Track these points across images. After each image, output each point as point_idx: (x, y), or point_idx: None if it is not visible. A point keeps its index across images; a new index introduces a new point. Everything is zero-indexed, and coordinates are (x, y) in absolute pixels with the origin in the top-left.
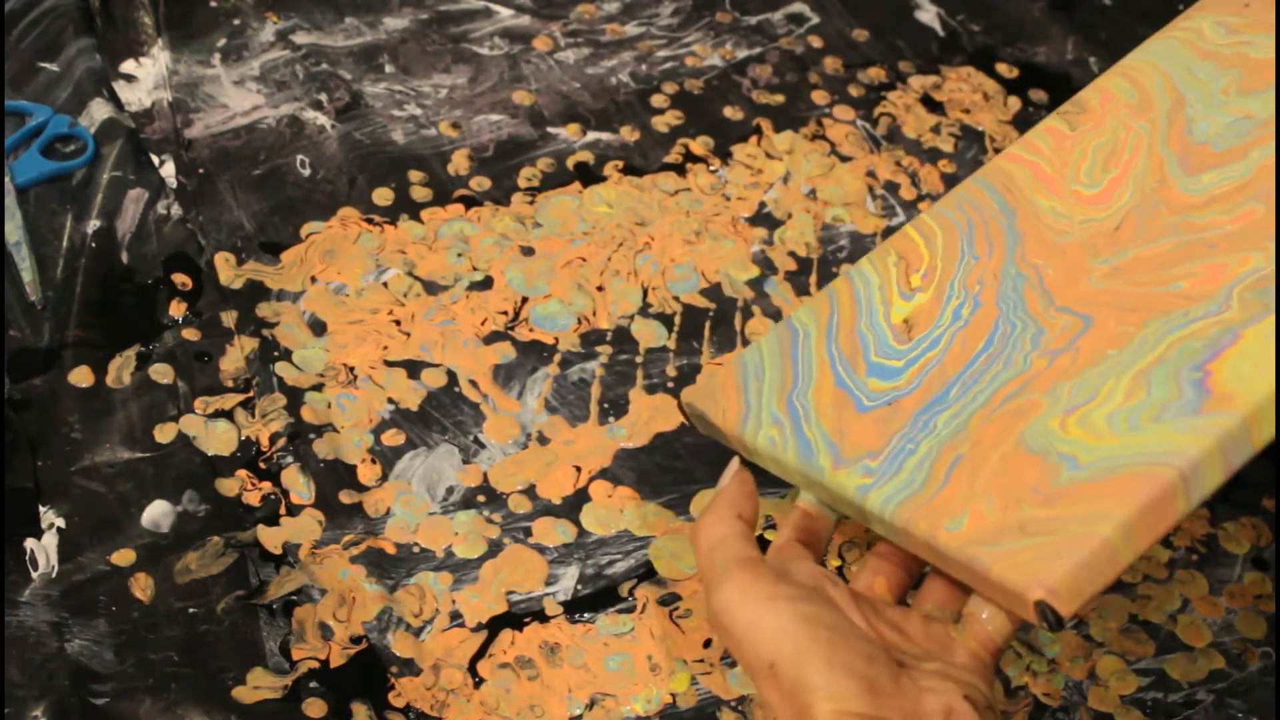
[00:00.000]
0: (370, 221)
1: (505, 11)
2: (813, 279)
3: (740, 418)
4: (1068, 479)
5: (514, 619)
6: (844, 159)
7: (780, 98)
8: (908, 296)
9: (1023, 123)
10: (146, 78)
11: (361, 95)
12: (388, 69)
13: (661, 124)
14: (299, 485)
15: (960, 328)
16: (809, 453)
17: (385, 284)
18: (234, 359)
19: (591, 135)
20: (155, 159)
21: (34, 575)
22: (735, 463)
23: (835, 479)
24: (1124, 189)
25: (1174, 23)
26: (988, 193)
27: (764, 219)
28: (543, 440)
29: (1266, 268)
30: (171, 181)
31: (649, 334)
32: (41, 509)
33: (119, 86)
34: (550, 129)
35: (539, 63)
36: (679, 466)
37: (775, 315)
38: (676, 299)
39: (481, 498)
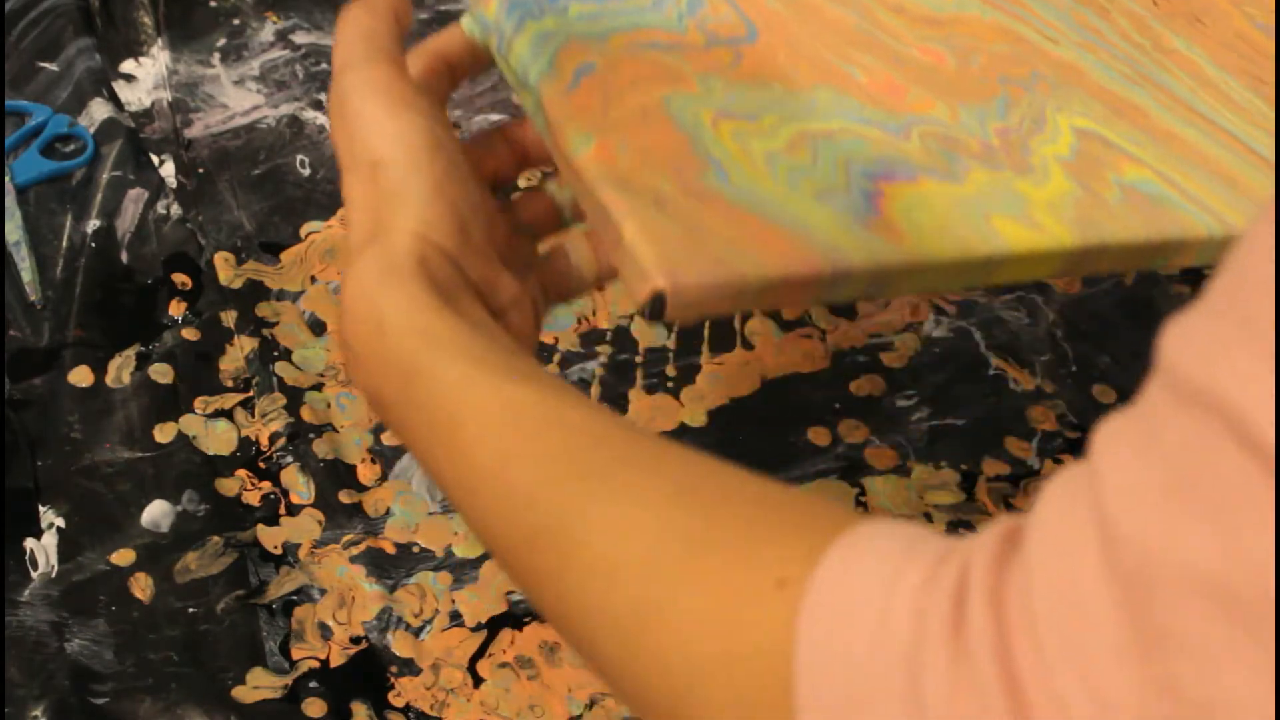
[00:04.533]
0: None
1: None
2: None
3: None
4: (716, 189)
5: (514, 619)
6: None
7: None
8: None
9: None
10: (146, 78)
11: None
12: None
13: None
14: (299, 485)
15: None
16: None
17: None
18: (234, 359)
19: None
20: (155, 159)
21: (34, 575)
22: None
23: None
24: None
25: None
26: None
27: None
28: None
29: (948, 127)
30: (171, 181)
31: (649, 334)
32: (41, 509)
33: (119, 86)
34: None
35: None
36: None
37: (774, 314)
38: None
39: None
